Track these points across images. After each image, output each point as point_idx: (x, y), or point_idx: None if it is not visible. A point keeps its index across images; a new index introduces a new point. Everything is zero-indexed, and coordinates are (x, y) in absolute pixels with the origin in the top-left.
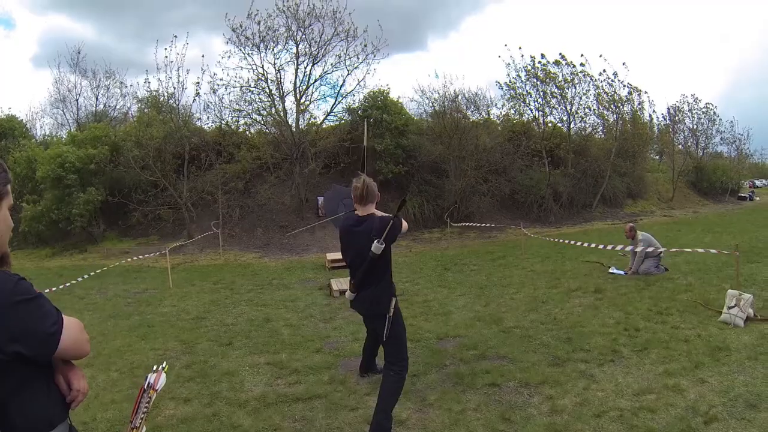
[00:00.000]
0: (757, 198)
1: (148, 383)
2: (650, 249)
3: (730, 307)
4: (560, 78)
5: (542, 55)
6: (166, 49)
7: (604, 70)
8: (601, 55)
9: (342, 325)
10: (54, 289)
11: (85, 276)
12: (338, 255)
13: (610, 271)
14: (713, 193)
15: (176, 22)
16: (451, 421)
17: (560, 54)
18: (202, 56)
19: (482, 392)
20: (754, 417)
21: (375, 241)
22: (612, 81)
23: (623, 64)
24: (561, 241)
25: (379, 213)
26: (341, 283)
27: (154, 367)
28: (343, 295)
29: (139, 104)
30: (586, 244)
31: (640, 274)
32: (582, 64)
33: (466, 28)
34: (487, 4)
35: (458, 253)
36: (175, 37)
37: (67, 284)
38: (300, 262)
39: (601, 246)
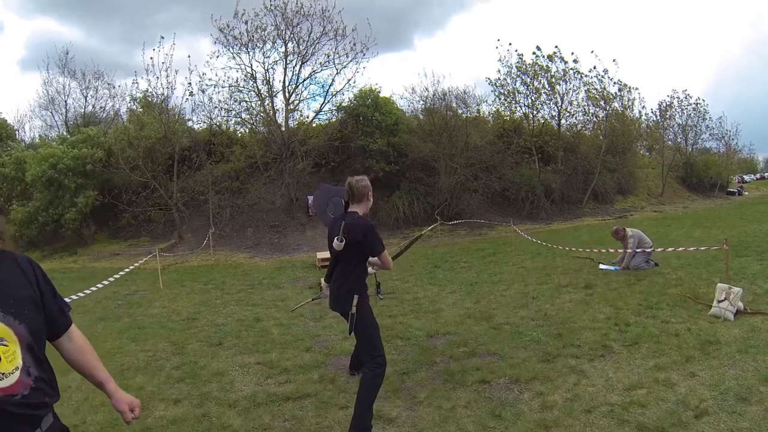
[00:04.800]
0: (747, 193)
1: None
2: (647, 247)
3: (720, 301)
4: (553, 71)
5: (538, 47)
6: (154, 50)
7: (594, 67)
8: (592, 51)
9: (332, 324)
10: None
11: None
12: (328, 254)
13: (600, 266)
14: (702, 189)
15: (163, 24)
16: (441, 418)
17: (556, 47)
18: (188, 57)
19: (472, 389)
20: (744, 410)
21: (335, 239)
22: (602, 78)
23: (614, 60)
24: (551, 246)
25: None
26: None
27: None
28: None
29: (130, 104)
30: (581, 249)
31: (631, 269)
32: (575, 61)
33: (453, 27)
34: (475, 3)
35: (448, 250)
36: (163, 38)
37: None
38: (290, 261)
39: (596, 250)
